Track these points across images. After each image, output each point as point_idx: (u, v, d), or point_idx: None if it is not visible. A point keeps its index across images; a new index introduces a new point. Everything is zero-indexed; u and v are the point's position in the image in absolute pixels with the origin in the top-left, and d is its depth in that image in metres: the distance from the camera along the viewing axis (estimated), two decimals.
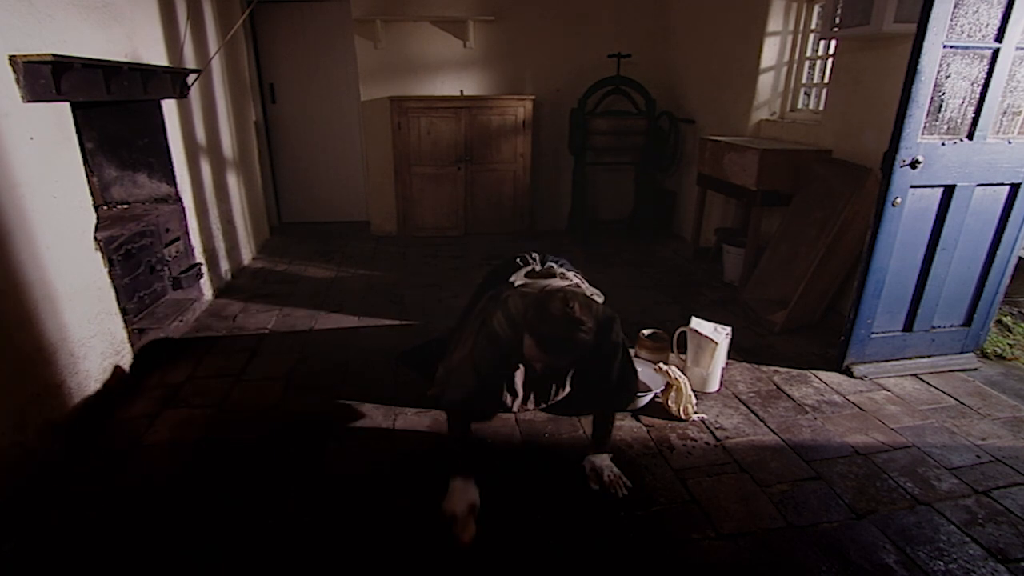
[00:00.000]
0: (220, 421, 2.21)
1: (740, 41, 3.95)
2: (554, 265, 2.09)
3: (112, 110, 2.69)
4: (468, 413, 1.89)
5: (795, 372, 2.62)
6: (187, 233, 3.08)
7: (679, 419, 2.24)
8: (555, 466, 1.98)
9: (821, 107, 3.53)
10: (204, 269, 3.19)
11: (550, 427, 2.19)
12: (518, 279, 1.96)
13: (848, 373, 2.58)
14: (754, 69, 3.82)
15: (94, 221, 2.29)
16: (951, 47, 2.09)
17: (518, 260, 2.13)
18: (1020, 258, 2.62)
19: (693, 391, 2.30)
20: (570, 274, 2.05)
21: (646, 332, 2.73)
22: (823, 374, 2.60)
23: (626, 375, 1.88)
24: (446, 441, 2.06)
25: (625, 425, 2.21)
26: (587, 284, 2.03)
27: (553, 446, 2.09)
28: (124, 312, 2.43)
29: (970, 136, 2.26)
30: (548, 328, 1.58)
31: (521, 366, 1.94)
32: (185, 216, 3.06)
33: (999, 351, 2.77)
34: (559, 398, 2.05)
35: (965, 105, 2.22)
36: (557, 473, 1.94)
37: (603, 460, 1.94)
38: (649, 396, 2.31)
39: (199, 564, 1.57)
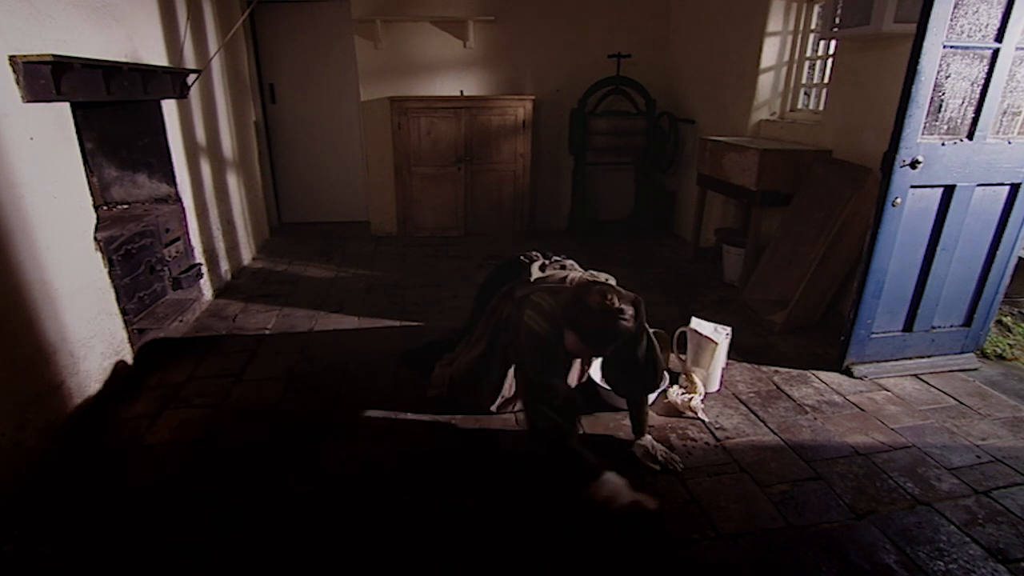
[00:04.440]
0: (220, 421, 2.21)
1: (740, 41, 3.95)
2: (559, 259, 2.11)
3: (112, 110, 2.69)
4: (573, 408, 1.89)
5: (795, 372, 2.62)
6: (187, 233, 3.08)
7: (678, 413, 2.25)
8: (555, 468, 1.97)
9: (821, 107, 3.53)
10: (204, 269, 3.19)
11: None
12: (534, 273, 1.98)
13: (848, 373, 2.58)
14: (754, 69, 3.82)
15: (94, 221, 2.29)
16: (951, 47, 2.09)
17: (522, 258, 2.13)
18: (1020, 258, 2.62)
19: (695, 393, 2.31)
20: (576, 267, 2.06)
21: None
22: (823, 374, 2.60)
23: (653, 355, 1.95)
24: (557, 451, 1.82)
25: (625, 425, 2.20)
26: (594, 272, 2.04)
27: None
28: (124, 312, 2.43)
29: (970, 136, 2.26)
30: (589, 321, 1.63)
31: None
32: (185, 216, 3.06)
33: (999, 351, 2.77)
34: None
35: (965, 105, 2.22)
36: (558, 475, 1.94)
37: (650, 442, 2.01)
38: (652, 396, 2.31)
39: (199, 563, 1.57)
